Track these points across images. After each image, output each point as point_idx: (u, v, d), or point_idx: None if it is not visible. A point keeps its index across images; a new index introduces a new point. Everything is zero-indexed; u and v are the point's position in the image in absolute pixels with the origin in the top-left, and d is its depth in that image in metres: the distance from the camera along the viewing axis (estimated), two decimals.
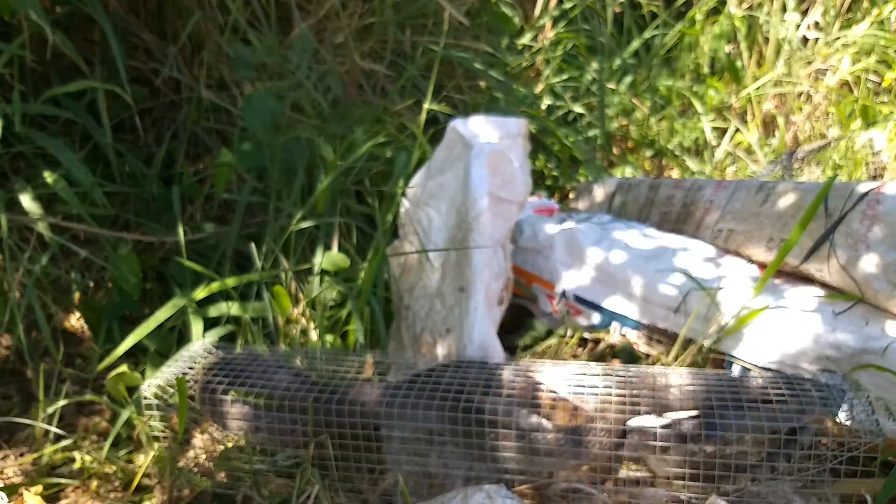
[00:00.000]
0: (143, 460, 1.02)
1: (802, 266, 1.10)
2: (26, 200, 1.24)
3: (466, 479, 0.90)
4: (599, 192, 1.47)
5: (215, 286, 1.18)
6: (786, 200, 1.15)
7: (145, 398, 0.95)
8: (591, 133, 1.67)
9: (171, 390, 0.93)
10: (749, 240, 1.19)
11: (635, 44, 1.80)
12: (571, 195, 1.55)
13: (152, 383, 0.95)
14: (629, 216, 1.40)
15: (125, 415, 1.00)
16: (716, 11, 1.91)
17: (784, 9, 1.83)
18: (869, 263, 1.02)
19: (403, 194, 1.21)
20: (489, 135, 1.13)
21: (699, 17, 1.85)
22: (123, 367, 1.07)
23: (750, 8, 1.86)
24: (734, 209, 1.23)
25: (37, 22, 1.22)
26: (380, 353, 1.03)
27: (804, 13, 1.84)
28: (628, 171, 1.70)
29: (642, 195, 1.40)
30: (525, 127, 1.18)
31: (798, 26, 1.81)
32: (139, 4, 1.51)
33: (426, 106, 1.36)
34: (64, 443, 1.06)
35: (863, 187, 1.06)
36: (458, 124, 1.16)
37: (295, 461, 0.95)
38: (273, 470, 0.94)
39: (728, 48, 1.85)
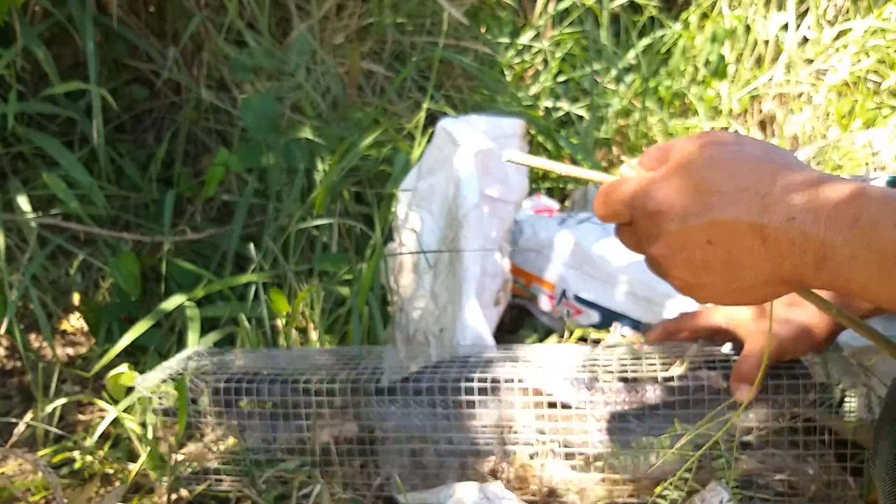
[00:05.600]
0: (142, 460, 1.02)
1: None
2: (22, 201, 1.24)
3: (461, 467, 0.91)
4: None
5: (207, 288, 1.19)
6: None
7: (139, 397, 0.95)
8: (591, 134, 1.67)
9: (166, 389, 0.94)
10: None
11: (634, 45, 1.81)
12: (572, 195, 1.55)
13: (146, 380, 0.95)
14: None
15: (112, 414, 1.00)
16: (704, 16, 1.91)
17: (781, 7, 1.82)
18: None
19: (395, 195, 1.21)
20: (479, 134, 1.13)
21: (693, 18, 1.85)
22: (124, 367, 1.07)
23: (745, 9, 1.86)
24: None
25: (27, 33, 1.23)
26: (376, 353, 1.03)
27: (804, 13, 1.84)
28: None
29: None
30: (522, 127, 1.18)
31: (798, 26, 1.81)
32: (139, 5, 1.52)
33: (425, 105, 1.36)
34: (63, 443, 1.06)
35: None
36: (446, 124, 1.15)
37: (299, 463, 0.95)
38: (272, 471, 0.94)
39: (727, 49, 1.85)
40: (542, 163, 0.66)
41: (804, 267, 0.50)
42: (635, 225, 0.59)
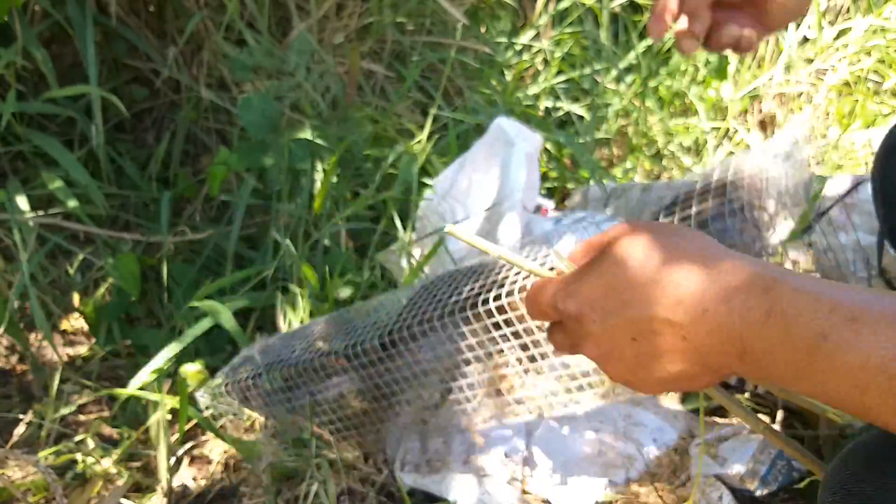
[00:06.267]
0: (151, 457, 1.02)
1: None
2: (21, 200, 1.24)
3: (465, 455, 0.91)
4: (594, 196, 1.47)
5: (217, 284, 1.19)
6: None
7: (201, 399, 1.01)
8: (592, 134, 1.67)
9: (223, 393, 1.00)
10: None
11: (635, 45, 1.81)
12: (572, 196, 1.55)
13: (208, 388, 1.01)
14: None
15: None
16: None
17: None
18: (847, 248, 1.08)
19: (430, 187, 1.22)
20: (526, 138, 1.16)
21: None
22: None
23: None
24: None
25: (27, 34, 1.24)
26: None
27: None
28: (627, 172, 1.70)
29: (634, 198, 1.40)
30: (541, 143, 1.21)
31: (798, 26, 1.81)
32: (139, 5, 1.51)
33: (432, 112, 1.36)
34: (64, 444, 1.06)
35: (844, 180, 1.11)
36: (503, 121, 1.17)
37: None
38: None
39: None
40: (482, 243, 0.62)
41: (727, 357, 0.48)
42: (565, 326, 0.57)
